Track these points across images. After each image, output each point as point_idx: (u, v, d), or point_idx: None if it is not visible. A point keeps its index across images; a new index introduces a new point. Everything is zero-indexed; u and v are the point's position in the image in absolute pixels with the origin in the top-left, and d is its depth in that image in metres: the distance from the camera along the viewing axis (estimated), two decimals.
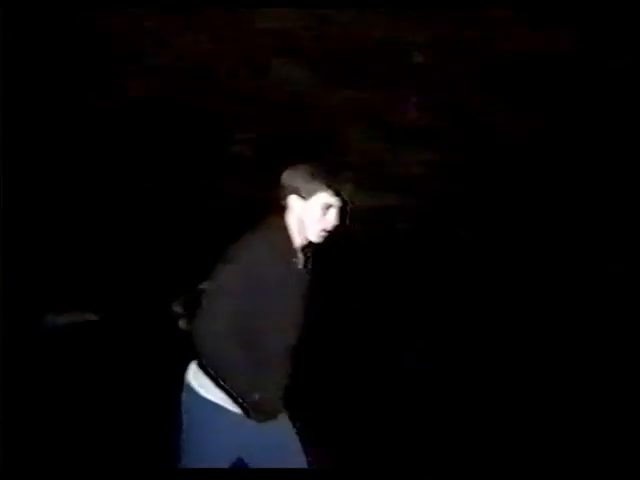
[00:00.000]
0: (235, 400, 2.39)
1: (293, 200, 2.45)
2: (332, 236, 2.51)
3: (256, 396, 2.34)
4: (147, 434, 4.21)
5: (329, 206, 2.45)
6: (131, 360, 5.55)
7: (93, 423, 4.49)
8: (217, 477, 2.46)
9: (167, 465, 2.71)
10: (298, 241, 2.49)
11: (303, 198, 2.44)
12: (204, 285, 2.38)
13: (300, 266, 2.52)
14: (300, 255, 2.52)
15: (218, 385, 2.40)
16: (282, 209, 2.49)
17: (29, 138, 4.69)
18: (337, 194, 2.46)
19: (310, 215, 2.44)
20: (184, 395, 2.52)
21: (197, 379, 2.47)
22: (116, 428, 4.41)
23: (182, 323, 5.81)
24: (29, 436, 4.13)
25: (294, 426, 2.64)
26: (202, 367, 2.43)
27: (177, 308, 6.03)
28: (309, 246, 2.54)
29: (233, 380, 2.35)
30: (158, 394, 3.67)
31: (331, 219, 2.46)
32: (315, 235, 2.47)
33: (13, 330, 4.26)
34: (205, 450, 2.45)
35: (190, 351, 2.39)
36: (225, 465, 2.49)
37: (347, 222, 2.53)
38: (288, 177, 2.46)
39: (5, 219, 3.58)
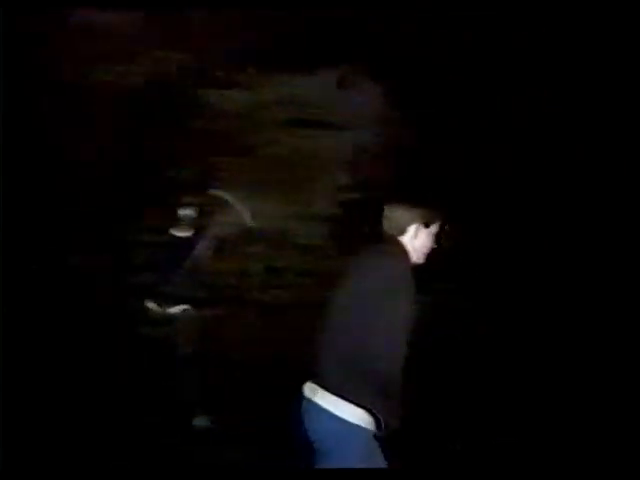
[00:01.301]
0: (376, 413, 2.42)
1: (415, 228, 2.64)
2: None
3: (399, 408, 2.45)
4: None
5: (437, 231, 2.71)
6: None
7: None
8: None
9: None
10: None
11: (425, 226, 2.65)
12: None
13: None
14: None
15: (355, 402, 2.41)
16: (391, 237, 2.65)
17: None
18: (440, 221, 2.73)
19: (429, 240, 2.68)
20: (312, 419, 2.51)
21: (333, 402, 2.45)
22: None
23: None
24: None
25: None
26: (326, 386, 2.46)
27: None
28: None
29: (393, 386, 2.43)
30: None
31: (433, 242, 2.71)
32: (424, 258, 2.69)
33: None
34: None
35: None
36: None
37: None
38: (408, 207, 2.66)
39: None
